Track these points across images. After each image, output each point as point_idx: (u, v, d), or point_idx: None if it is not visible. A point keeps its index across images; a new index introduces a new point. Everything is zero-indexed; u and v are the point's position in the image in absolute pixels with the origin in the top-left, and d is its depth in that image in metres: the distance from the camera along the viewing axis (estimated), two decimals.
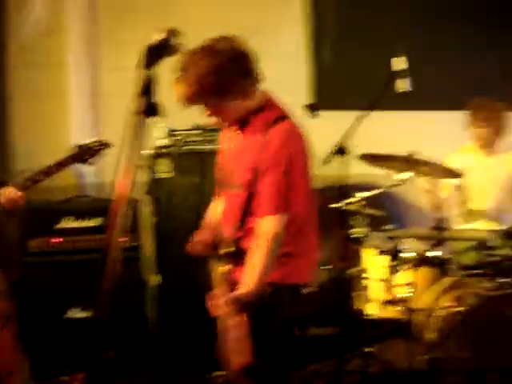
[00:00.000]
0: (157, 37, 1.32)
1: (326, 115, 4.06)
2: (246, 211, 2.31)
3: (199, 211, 3.49)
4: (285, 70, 4.24)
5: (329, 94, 4.44)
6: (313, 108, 3.66)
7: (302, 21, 4.50)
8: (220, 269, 2.33)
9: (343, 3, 4.54)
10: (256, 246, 2.26)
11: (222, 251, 2.34)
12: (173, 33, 1.35)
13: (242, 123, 2.36)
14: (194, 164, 3.69)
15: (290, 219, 2.28)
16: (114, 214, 1.21)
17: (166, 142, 3.71)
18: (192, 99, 2.21)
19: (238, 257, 2.31)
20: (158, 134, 3.67)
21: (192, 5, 4.43)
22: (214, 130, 3.77)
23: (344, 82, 4.42)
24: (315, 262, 2.50)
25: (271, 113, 2.35)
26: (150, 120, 1.21)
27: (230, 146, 2.46)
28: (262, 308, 2.24)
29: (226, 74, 2.19)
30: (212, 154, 3.68)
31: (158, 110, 1.22)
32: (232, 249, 2.30)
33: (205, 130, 3.76)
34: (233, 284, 2.30)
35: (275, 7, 4.43)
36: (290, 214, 2.28)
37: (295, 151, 2.31)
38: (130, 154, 1.18)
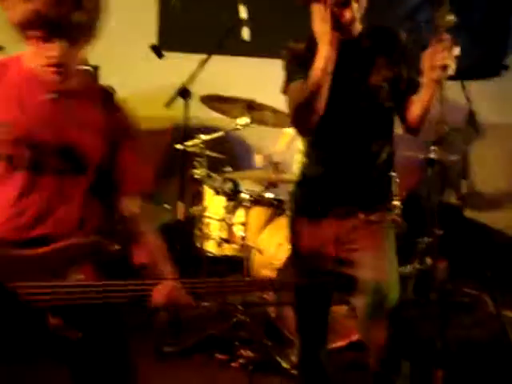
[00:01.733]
0: None
1: (172, 57, 4.08)
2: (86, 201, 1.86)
3: None
4: (134, 12, 4.20)
5: (176, 37, 4.45)
6: (157, 49, 3.66)
7: None
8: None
9: None
10: (150, 231, 1.94)
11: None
12: None
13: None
14: None
15: None
16: None
17: None
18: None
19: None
20: None
21: None
22: None
23: (190, 26, 4.45)
24: None
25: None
26: None
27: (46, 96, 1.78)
28: None
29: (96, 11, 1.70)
30: None
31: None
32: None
33: None
34: None
35: None
36: None
37: None
38: None
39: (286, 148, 4.20)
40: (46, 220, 1.77)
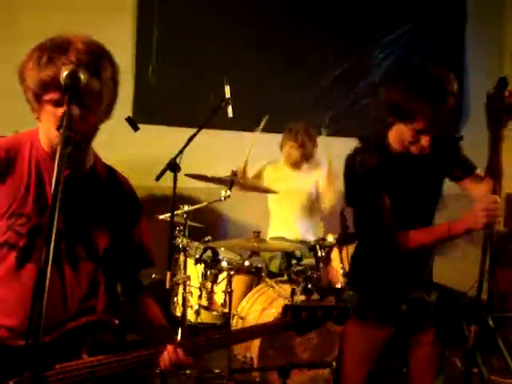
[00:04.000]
0: (62, 75, 1.44)
1: (149, 129, 4.25)
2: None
3: None
4: None
5: (152, 110, 4.63)
6: (132, 122, 3.79)
7: (130, 35, 4.63)
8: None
9: (168, 26, 4.76)
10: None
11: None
12: (77, 69, 1.47)
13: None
14: None
15: None
16: None
17: None
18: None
19: None
20: None
21: (22, 13, 4.33)
22: None
23: (166, 101, 4.65)
24: None
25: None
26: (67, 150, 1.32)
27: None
28: None
29: None
30: None
31: (73, 141, 1.34)
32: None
33: None
34: None
35: (105, 21, 4.48)
36: None
37: None
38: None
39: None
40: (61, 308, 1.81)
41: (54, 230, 1.27)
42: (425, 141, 2.27)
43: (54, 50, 1.63)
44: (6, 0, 4.43)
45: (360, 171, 2.36)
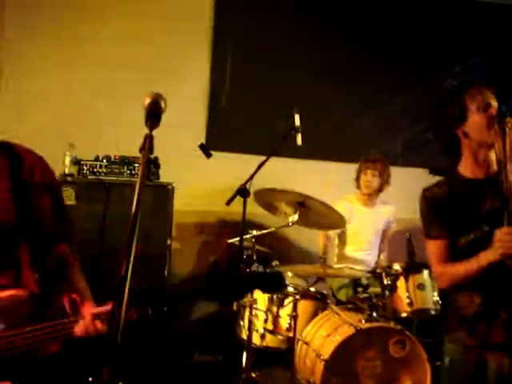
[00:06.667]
0: (145, 102, 1.58)
1: (222, 155, 4.40)
2: None
3: (101, 239, 3.68)
4: (187, 113, 4.55)
5: (225, 138, 4.78)
6: (205, 148, 3.93)
7: (204, 65, 4.84)
8: None
9: (242, 55, 4.94)
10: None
11: None
12: (158, 97, 1.61)
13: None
14: (98, 193, 3.82)
15: None
16: None
17: (71, 170, 3.82)
18: None
19: None
20: (66, 162, 3.78)
21: (106, 44, 4.57)
22: (120, 163, 3.96)
23: (238, 129, 4.80)
24: None
25: None
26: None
27: None
28: None
29: None
30: (116, 184, 3.88)
31: (156, 163, 1.47)
32: None
33: (110, 161, 3.92)
34: None
35: (181, 52, 4.69)
36: None
37: None
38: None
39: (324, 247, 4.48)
40: None
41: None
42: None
43: None
44: (93, 29, 4.68)
45: (422, 202, 2.40)
